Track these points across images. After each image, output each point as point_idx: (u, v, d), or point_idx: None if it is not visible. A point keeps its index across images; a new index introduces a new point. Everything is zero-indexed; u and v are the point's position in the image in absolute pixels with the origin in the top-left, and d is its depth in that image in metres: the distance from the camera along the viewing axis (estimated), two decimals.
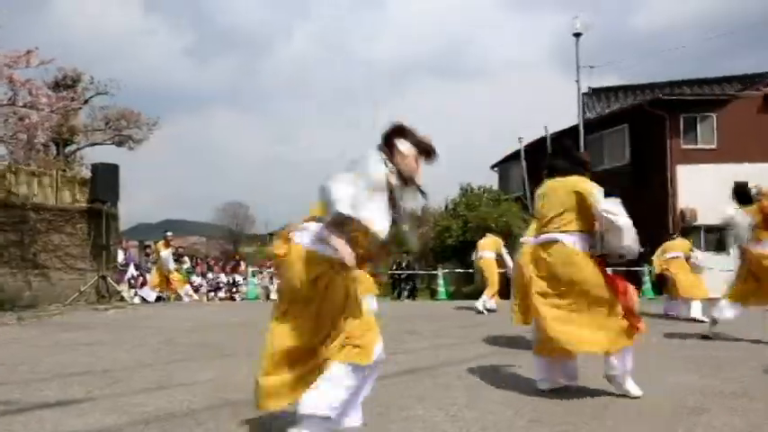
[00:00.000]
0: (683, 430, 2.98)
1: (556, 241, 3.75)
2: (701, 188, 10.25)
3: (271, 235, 70.90)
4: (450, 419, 3.18)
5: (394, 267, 18.78)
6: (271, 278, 15.83)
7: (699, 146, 16.65)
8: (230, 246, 45.69)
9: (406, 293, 17.95)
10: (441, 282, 15.69)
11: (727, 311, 6.03)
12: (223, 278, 15.26)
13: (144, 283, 12.96)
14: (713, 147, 16.54)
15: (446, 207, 33.90)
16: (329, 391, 2.54)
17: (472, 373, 4.48)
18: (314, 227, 2.59)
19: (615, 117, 18.26)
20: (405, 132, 2.69)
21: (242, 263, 16.89)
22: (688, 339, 6.31)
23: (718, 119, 16.70)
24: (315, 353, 2.65)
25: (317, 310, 2.62)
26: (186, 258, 15.77)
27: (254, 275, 15.23)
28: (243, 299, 14.44)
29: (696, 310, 8.32)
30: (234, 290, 14.92)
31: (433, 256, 26.93)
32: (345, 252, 2.44)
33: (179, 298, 12.82)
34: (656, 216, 16.37)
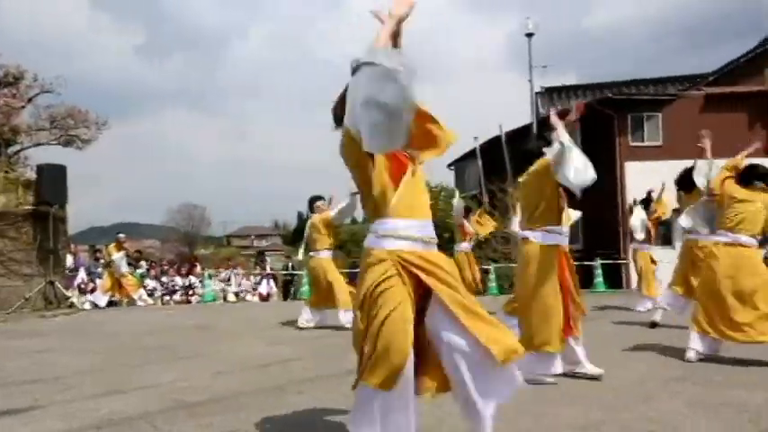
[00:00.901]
0: (633, 416, 3.11)
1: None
2: (649, 184, 10.63)
3: (228, 237, 69.70)
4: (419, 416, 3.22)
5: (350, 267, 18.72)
6: (228, 279, 15.59)
7: (646, 143, 17.28)
8: (186, 248, 44.71)
9: None
10: None
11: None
12: (179, 281, 14.92)
13: (94, 289, 12.55)
14: (659, 144, 17.19)
15: None
16: None
17: None
18: None
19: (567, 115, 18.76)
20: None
21: (197, 265, 16.56)
22: (637, 328, 6.55)
23: (664, 117, 17.37)
24: None
25: None
26: (143, 263, 15.34)
27: (210, 277, 14.97)
28: (199, 301, 14.17)
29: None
30: (190, 292, 14.61)
31: None
32: None
33: (132, 302, 12.48)
34: (607, 211, 16.92)
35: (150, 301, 13.38)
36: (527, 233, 4.08)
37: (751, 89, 16.88)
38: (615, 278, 15.96)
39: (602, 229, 17.12)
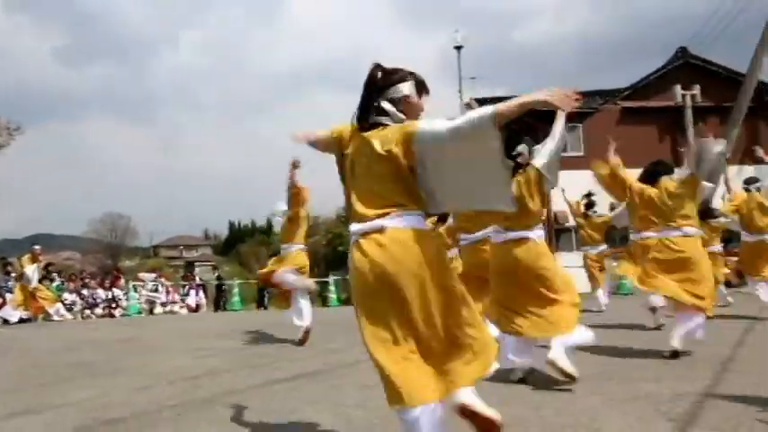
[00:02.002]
0: (551, 410, 3.25)
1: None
2: (572, 192, 11.16)
3: (155, 247, 67.31)
4: (339, 419, 3.23)
5: None
6: (156, 289, 15.01)
7: (569, 153, 18.08)
8: (109, 260, 42.68)
9: None
10: (332, 289, 15.73)
11: None
12: (101, 294, 14.22)
13: (4, 304, 11.75)
14: (581, 154, 18.03)
15: (337, 215, 34.16)
16: None
17: (362, 374, 4.56)
18: None
19: None
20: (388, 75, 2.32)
21: (121, 277, 15.85)
22: None
23: (585, 129, 18.26)
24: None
25: None
26: (55, 275, 14.49)
27: (135, 289, 14.36)
28: (123, 315, 13.56)
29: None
30: (113, 305, 13.95)
31: (324, 263, 27.00)
32: None
33: (48, 317, 11.78)
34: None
35: (69, 315, 12.69)
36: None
37: (660, 104, 18.05)
38: None
39: None
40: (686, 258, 4.75)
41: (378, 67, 2.34)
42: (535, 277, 3.90)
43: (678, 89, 17.85)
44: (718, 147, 4.99)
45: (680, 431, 2.82)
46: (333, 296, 15.58)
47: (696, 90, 17.84)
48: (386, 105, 2.28)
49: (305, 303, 6.56)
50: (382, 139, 2.22)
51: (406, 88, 2.30)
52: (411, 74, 2.34)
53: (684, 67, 18.43)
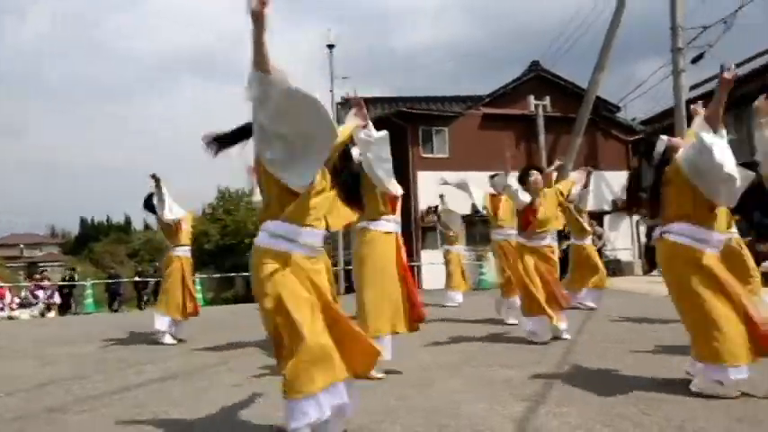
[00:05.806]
0: (418, 397, 3.41)
1: None
2: (437, 192, 11.70)
3: None
4: (208, 420, 3.13)
5: (137, 277, 17.42)
6: None
7: (435, 155, 18.93)
8: None
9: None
10: (198, 288, 15.06)
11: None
12: None
13: None
14: (446, 156, 18.95)
15: (203, 212, 32.76)
16: None
17: (228, 375, 4.44)
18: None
19: None
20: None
21: None
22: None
23: (450, 132, 19.21)
24: None
25: None
26: None
27: None
28: None
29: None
30: None
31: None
32: None
33: None
34: (401, 216, 18.10)
35: None
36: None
37: (515, 112, 19.52)
38: None
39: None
40: None
41: None
42: None
43: (531, 99, 19.40)
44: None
45: (531, 410, 3.09)
46: (198, 295, 14.92)
47: (546, 101, 19.50)
48: None
49: None
50: None
51: None
52: None
53: (537, 79, 20.06)
